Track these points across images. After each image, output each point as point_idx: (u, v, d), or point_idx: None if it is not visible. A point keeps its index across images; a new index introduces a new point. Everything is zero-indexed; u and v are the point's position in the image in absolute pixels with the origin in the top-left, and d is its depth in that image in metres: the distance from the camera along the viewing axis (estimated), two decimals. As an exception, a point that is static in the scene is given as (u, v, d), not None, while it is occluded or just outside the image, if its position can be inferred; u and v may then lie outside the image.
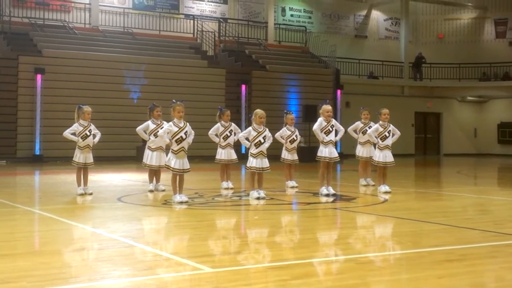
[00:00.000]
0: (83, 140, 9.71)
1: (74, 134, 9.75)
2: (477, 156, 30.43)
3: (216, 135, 10.80)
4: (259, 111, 9.48)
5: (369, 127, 11.50)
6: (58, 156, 19.90)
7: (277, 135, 10.96)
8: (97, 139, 9.91)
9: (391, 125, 10.49)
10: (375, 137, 10.49)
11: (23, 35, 22.67)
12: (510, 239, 6.01)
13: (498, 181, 16.39)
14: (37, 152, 20.65)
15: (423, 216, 7.66)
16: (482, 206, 9.50)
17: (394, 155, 10.57)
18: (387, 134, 10.38)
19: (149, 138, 10.28)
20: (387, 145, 10.40)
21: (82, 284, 4.13)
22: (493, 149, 31.02)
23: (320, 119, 9.94)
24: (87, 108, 9.82)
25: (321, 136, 9.82)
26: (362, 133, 11.69)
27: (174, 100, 8.92)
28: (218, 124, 10.88)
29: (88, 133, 9.74)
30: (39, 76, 20.84)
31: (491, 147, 31.23)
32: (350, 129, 11.79)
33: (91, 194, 9.76)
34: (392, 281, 4.34)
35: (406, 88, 31.32)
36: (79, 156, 9.76)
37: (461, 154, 30.39)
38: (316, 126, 9.89)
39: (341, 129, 10.12)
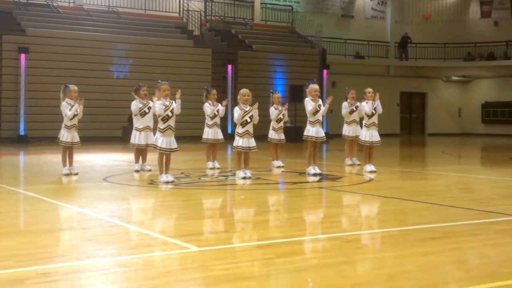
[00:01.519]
0: (70, 119, 9.65)
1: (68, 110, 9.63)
2: (461, 135, 30.67)
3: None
4: (243, 90, 9.46)
5: (356, 107, 11.53)
6: (43, 136, 19.75)
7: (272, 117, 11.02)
8: (80, 110, 9.74)
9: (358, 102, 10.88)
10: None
11: (6, 13, 22.33)
12: (493, 217, 6.09)
13: (482, 160, 16.56)
14: (22, 132, 20.49)
15: (408, 195, 7.73)
16: (466, 185, 9.60)
17: (380, 135, 10.62)
18: (374, 111, 10.50)
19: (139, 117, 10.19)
20: (374, 122, 10.46)
21: (68, 263, 4.14)
22: (477, 129, 31.26)
23: (307, 99, 9.92)
24: (73, 87, 9.75)
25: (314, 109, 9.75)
26: (349, 112, 11.70)
27: (159, 81, 8.90)
28: (206, 103, 10.87)
29: (76, 112, 9.67)
30: (23, 56, 20.58)
31: (475, 126, 31.47)
32: (344, 113, 11.72)
33: (76, 174, 9.72)
34: (377, 258, 4.39)
35: (391, 68, 31.39)
36: (66, 135, 9.69)
37: (446, 134, 30.60)
38: (309, 108, 9.79)
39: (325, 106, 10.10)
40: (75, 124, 9.73)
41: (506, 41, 30.23)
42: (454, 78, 32.54)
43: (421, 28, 32.21)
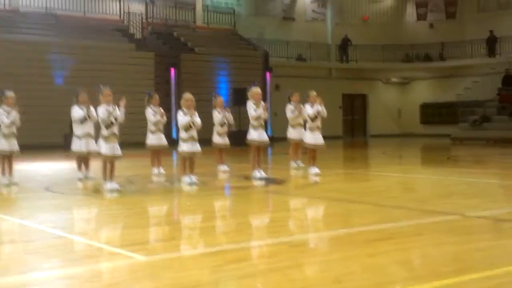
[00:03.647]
0: (7, 127, 9.34)
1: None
2: (401, 136, 31.42)
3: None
4: (185, 94, 9.40)
5: (300, 110, 11.59)
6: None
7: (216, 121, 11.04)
8: (17, 116, 9.45)
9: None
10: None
11: None
12: (433, 215, 6.27)
13: (421, 160, 17.04)
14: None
15: (352, 197, 7.88)
16: (407, 185, 9.86)
17: (323, 137, 10.76)
18: (316, 114, 10.60)
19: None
20: (317, 125, 10.61)
21: (10, 277, 4.02)
22: (416, 129, 32.06)
23: (249, 103, 9.90)
24: (10, 94, 9.45)
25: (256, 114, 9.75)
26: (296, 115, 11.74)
27: (101, 86, 8.74)
28: (148, 108, 10.74)
29: (12, 120, 9.37)
30: (-45, 61, 19.83)
31: (414, 127, 32.27)
32: (290, 116, 11.69)
33: (16, 184, 9.42)
34: (324, 261, 4.45)
35: (333, 70, 31.86)
36: (3, 143, 9.37)
37: (387, 135, 31.29)
38: (253, 113, 9.77)
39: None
40: (13, 132, 9.44)
41: (441, 43, 31.18)
42: (393, 79, 33.33)
43: (360, 30, 32.79)
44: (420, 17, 33.21)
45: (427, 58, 31.73)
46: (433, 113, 31.59)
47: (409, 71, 32.38)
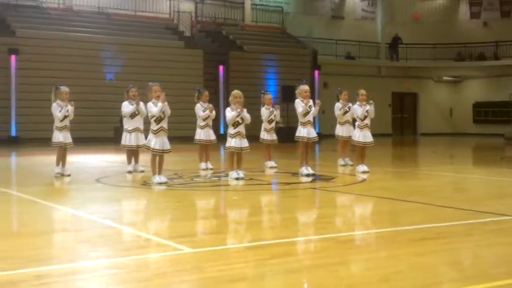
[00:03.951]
0: (62, 121, 9.62)
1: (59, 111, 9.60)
2: (453, 135, 30.79)
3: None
4: (234, 91, 9.46)
5: (349, 108, 11.53)
6: (35, 138, 19.67)
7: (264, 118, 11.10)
8: (71, 110, 9.69)
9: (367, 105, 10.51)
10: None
11: (-4, 15, 22.25)
12: (485, 216, 6.11)
13: (473, 160, 16.64)
14: (13, 134, 20.40)
15: (400, 195, 7.75)
16: (458, 185, 9.64)
17: (372, 135, 10.63)
18: (366, 114, 10.45)
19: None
20: (366, 124, 10.47)
21: (61, 265, 4.12)
22: (468, 129, 31.40)
23: (297, 100, 9.88)
24: (64, 88, 9.72)
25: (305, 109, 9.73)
26: (342, 113, 11.67)
27: (150, 83, 8.88)
28: (198, 104, 10.86)
29: (67, 113, 9.64)
30: (13, 57, 20.52)
31: (466, 126, 31.61)
32: (337, 114, 11.70)
33: (69, 175, 9.67)
34: (370, 259, 4.39)
35: (383, 68, 31.46)
36: (58, 136, 9.66)
37: (437, 134, 30.73)
38: (300, 110, 9.79)
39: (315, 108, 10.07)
40: (66, 125, 9.70)
41: (495, 42, 30.38)
42: (445, 78, 32.68)
43: (411, 28, 32.29)
44: (474, 15, 32.42)
45: (481, 57, 30.96)
46: (486, 112, 30.85)
47: (461, 70, 31.68)
